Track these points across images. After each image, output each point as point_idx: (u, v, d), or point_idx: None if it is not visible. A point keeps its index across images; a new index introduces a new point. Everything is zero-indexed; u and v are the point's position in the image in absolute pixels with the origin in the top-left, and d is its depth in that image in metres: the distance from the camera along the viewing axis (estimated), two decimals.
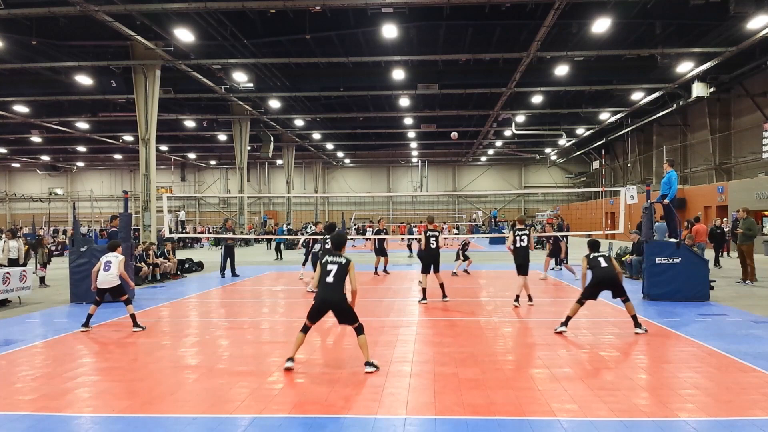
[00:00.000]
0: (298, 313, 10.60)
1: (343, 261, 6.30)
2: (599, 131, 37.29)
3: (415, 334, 8.36)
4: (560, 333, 8.11)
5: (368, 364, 6.25)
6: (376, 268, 16.74)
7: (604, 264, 8.05)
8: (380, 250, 16.67)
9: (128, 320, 9.95)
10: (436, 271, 11.20)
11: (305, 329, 6.34)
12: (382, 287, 14.05)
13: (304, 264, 15.55)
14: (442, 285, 11.32)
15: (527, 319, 9.66)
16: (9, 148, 44.46)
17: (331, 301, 6.20)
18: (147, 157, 21.47)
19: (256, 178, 53.34)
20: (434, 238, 11.19)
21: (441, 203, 54.25)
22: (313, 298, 6.38)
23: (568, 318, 8.17)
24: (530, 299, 10.84)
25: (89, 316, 8.78)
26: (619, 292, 8.06)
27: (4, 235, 14.63)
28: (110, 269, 8.79)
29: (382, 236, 17.40)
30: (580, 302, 8.14)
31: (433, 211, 52.19)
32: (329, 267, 6.26)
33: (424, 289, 11.22)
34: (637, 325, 8.13)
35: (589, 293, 8.12)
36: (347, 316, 6.24)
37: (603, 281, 8.01)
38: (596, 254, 8.23)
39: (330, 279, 6.21)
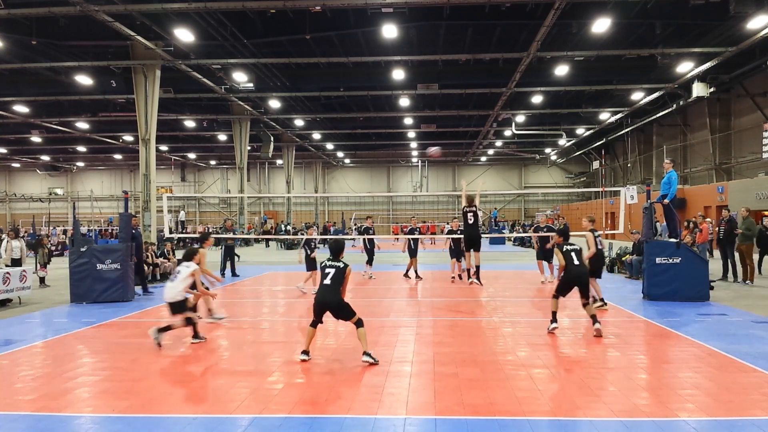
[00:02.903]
0: (298, 312, 10.60)
1: (341, 266, 6.69)
2: (599, 131, 37.27)
3: (415, 334, 8.36)
4: (552, 331, 8.16)
5: (366, 354, 6.52)
6: (407, 271, 15.42)
7: (576, 262, 8.11)
8: (413, 251, 15.14)
9: (129, 320, 9.96)
10: (477, 250, 11.27)
11: (314, 323, 6.74)
12: (382, 287, 14.04)
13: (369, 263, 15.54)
14: (478, 267, 11.37)
15: (527, 319, 9.66)
16: (9, 148, 44.42)
17: (328, 303, 6.62)
18: (147, 157, 21.46)
19: (256, 178, 53.31)
20: (472, 213, 11.31)
21: (441, 203, 54.24)
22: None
23: (554, 313, 8.24)
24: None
25: (168, 327, 7.73)
26: (585, 294, 8.09)
27: (6, 236, 14.66)
28: (175, 280, 7.73)
29: (416, 236, 15.74)
30: (556, 297, 8.25)
31: (433, 211, 52.21)
32: (327, 270, 6.69)
33: (468, 270, 11.39)
34: (596, 321, 8.01)
35: (562, 289, 8.20)
36: (344, 313, 6.63)
37: (574, 280, 8.08)
38: (569, 247, 8.22)
39: (327, 281, 6.63)
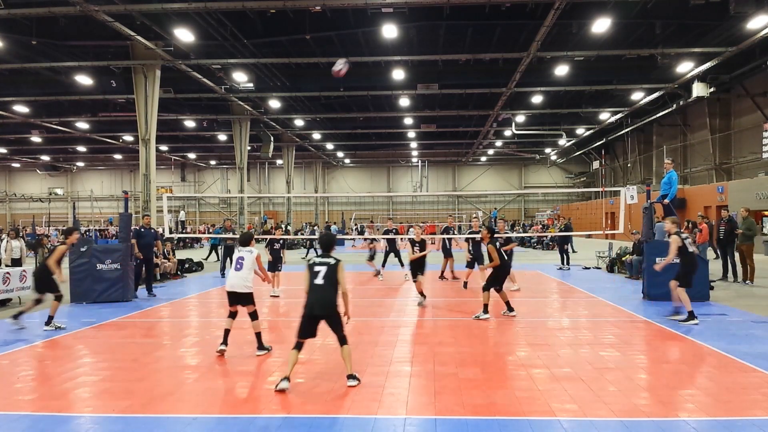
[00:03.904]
0: (298, 312, 10.58)
1: (332, 261, 5.90)
2: (599, 131, 37.28)
3: (415, 334, 8.37)
4: (484, 319, 9.24)
5: (351, 377, 5.82)
6: (442, 272, 15.46)
7: (506, 257, 9.39)
8: (447, 251, 15.23)
9: (129, 320, 9.93)
10: (422, 273, 11.59)
11: (299, 345, 5.85)
12: (382, 287, 14.04)
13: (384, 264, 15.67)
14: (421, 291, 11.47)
15: (527, 319, 9.65)
16: (9, 148, 44.43)
17: (323, 304, 5.79)
18: (147, 157, 21.47)
19: (256, 178, 53.31)
20: (419, 248, 11.79)
21: (441, 203, 54.24)
22: (303, 305, 5.92)
23: (486, 306, 9.31)
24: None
25: (227, 331, 7.32)
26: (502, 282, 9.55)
27: (6, 235, 14.67)
28: (242, 268, 7.13)
29: (451, 235, 15.66)
30: (488, 289, 9.33)
31: (433, 211, 52.22)
32: (317, 268, 5.86)
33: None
34: (510, 309, 9.58)
35: (496, 282, 9.37)
36: (337, 322, 5.86)
37: (506, 273, 9.57)
38: (498, 244, 9.57)
39: (319, 281, 5.81)
